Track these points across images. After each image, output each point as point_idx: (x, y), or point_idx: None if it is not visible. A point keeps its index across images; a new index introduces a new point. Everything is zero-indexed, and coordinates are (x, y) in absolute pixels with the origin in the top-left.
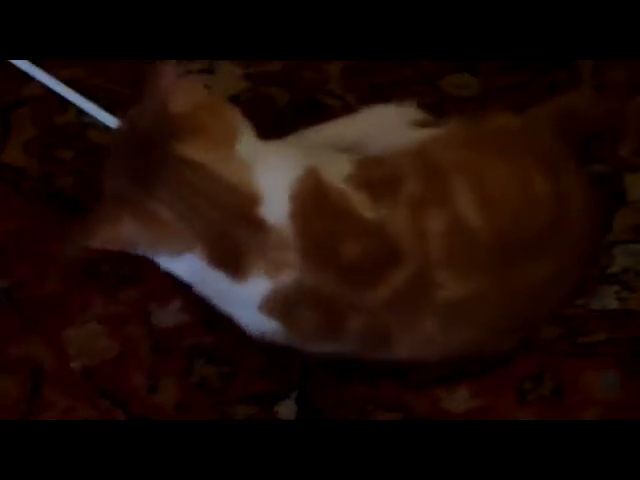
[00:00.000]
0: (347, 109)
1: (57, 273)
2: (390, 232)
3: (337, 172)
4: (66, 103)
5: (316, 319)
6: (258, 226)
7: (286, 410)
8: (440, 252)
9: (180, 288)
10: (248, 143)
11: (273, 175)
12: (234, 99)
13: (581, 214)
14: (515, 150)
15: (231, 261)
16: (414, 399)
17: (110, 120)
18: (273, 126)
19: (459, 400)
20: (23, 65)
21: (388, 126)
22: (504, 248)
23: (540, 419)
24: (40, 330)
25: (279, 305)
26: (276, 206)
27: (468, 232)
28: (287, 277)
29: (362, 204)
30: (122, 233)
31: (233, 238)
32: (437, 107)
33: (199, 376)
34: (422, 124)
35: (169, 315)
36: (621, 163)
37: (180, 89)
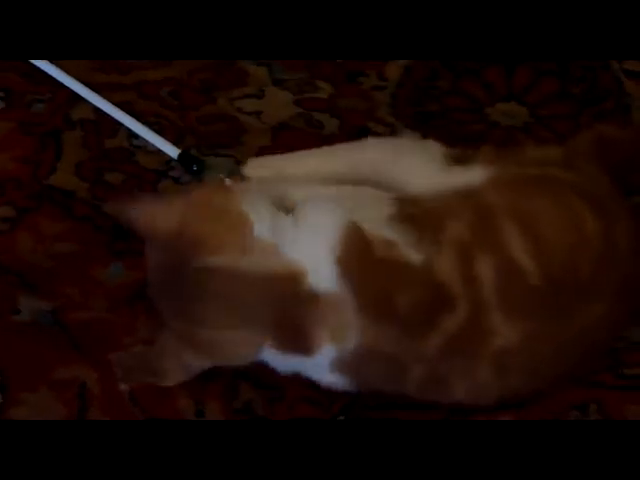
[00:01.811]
0: (394, 135)
1: (104, 296)
2: (439, 277)
3: (376, 216)
4: (117, 126)
5: (381, 372)
6: (310, 299)
7: None
8: (492, 297)
9: None
10: (267, 224)
11: (309, 244)
12: (283, 125)
13: (629, 249)
14: (563, 189)
15: (299, 342)
16: None
17: (160, 143)
18: None
19: None
20: (75, 86)
21: (417, 160)
22: (557, 292)
23: None
24: (87, 352)
25: (347, 364)
26: (323, 274)
27: (520, 276)
28: (350, 338)
29: (407, 248)
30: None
31: (293, 320)
32: (483, 135)
33: (244, 400)
34: (455, 159)
35: None
36: None
37: (159, 216)
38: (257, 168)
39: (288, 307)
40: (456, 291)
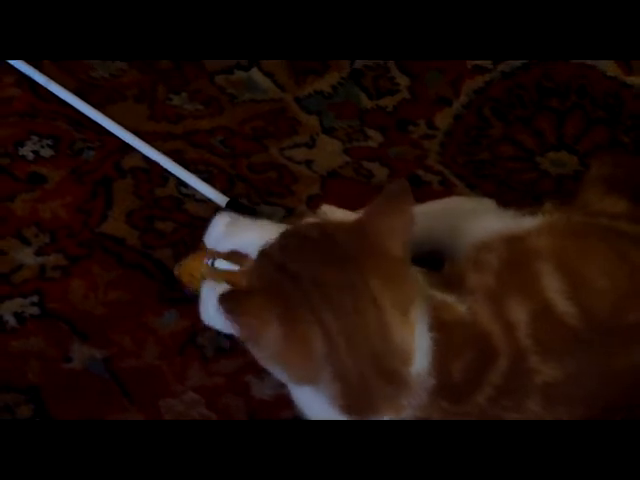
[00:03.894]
0: (445, 184)
1: (155, 343)
2: (480, 328)
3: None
4: (166, 175)
5: None
6: (403, 384)
7: None
8: (528, 340)
9: None
10: (420, 306)
11: (421, 327)
12: (333, 173)
13: None
14: (622, 239)
15: (360, 410)
16: None
17: (209, 192)
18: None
19: None
20: (124, 136)
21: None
22: (601, 335)
23: None
24: (138, 400)
25: None
26: (421, 358)
27: (556, 319)
28: (408, 410)
29: (458, 304)
30: (263, 333)
31: (372, 392)
32: (533, 184)
33: None
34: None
35: (267, 387)
36: None
37: (398, 229)
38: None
39: (379, 377)
40: (497, 340)
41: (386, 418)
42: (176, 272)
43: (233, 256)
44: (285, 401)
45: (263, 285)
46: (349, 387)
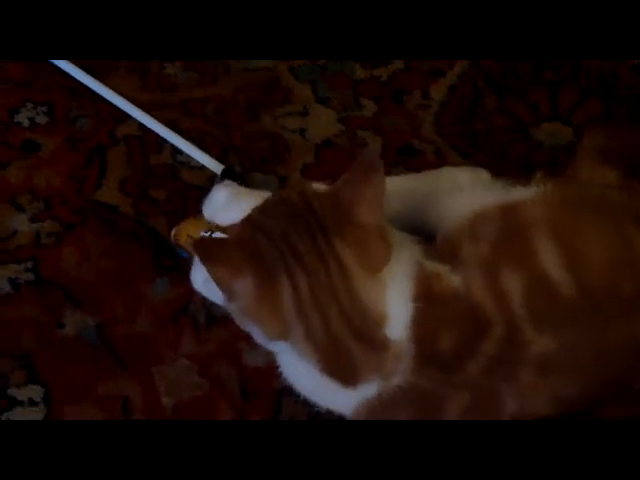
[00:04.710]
0: (438, 154)
1: (148, 311)
2: (474, 299)
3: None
4: (161, 143)
5: (415, 406)
6: (381, 346)
7: None
8: (522, 309)
9: None
10: (391, 267)
11: (397, 291)
12: (328, 142)
13: None
14: (616, 209)
15: (345, 373)
16: None
17: (205, 160)
18: None
19: None
20: (120, 103)
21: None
22: (595, 304)
23: None
24: (130, 367)
25: (376, 407)
26: (398, 323)
27: (551, 289)
28: (392, 381)
29: (449, 275)
30: (234, 283)
31: (351, 353)
32: (527, 155)
33: (288, 416)
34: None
35: (259, 355)
36: None
37: (368, 197)
38: None
39: (355, 340)
40: (489, 310)
41: (374, 383)
42: (173, 233)
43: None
44: (277, 369)
45: (239, 239)
46: (322, 346)
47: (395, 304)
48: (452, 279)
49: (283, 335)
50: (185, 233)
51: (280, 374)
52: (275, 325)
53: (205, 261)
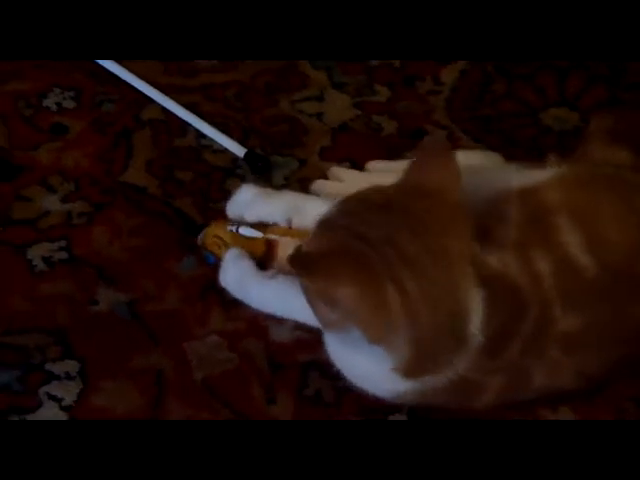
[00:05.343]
0: (451, 138)
1: (176, 288)
2: (514, 281)
3: None
4: (185, 127)
5: (455, 392)
6: (463, 343)
7: None
8: (552, 291)
9: None
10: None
11: (471, 282)
12: (344, 126)
13: None
14: (631, 189)
15: (421, 372)
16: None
17: (228, 143)
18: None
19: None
20: (144, 88)
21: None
22: (615, 283)
23: None
24: (162, 342)
25: (425, 394)
26: (476, 315)
27: (574, 270)
28: (448, 374)
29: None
30: (337, 293)
31: (441, 351)
32: (536, 139)
33: (314, 389)
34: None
35: (285, 331)
36: None
37: (451, 186)
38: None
39: (443, 338)
40: (527, 292)
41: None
42: (200, 238)
43: (258, 224)
44: (303, 344)
45: (331, 248)
46: (421, 349)
47: (474, 297)
48: (490, 260)
49: (385, 339)
50: (211, 235)
51: (308, 347)
52: (380, 330)
53: (305, 275)
